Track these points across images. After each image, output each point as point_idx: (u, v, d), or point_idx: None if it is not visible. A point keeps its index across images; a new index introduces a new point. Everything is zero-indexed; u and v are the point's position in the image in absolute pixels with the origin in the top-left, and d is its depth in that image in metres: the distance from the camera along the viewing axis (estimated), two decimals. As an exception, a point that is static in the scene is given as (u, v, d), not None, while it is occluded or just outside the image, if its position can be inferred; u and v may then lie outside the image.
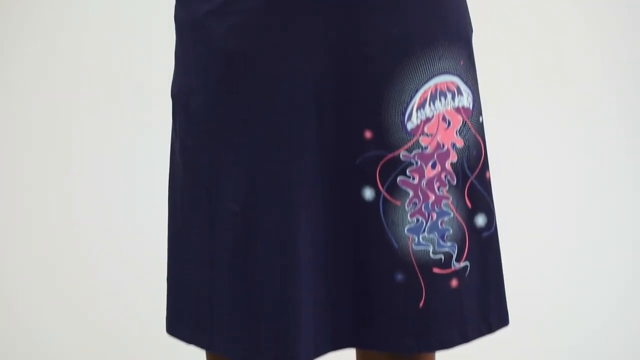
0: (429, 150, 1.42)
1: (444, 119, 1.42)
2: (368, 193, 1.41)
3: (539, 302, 2.86)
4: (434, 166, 1.42)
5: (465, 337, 1.46)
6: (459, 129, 1.43)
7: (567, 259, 2.90)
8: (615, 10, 2.86)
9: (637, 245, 2.90)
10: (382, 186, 1.41)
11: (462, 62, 1.43)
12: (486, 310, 1.47)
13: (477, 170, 1.46)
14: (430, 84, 1.41)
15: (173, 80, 1.48)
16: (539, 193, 2.92)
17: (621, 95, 2.87)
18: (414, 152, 1.41)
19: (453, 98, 1.43)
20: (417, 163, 1.41)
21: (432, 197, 1.43)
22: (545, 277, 2.89)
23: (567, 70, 2.85)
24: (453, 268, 1.44)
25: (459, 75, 1.43)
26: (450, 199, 1.44)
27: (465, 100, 1.44)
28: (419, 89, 1.40)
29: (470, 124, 1.44)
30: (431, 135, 1.41)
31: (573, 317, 2.84)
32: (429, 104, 1.41)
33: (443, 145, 1.42)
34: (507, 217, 2.79)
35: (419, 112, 1.41)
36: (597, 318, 2.82)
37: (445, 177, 1.43)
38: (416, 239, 1.42)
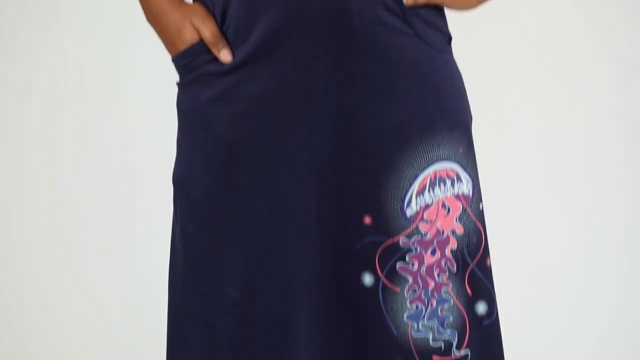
0: (428, 237, 1.42)
1: (443, 205, 1.42)
2: (367, 279, 1.41)
3: (540, 306, 2.86)
4: (433, 253, 1.42)
5: None
6: (459, 216, 1.43)
7: (566, 261, 2.89)
8: (617, 10, 2.87)
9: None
10: (382, 272, 1.41)
11: (461, 149, 1.44)
12: None
13: (478, 257, 1.46)
14: (430, 170, 1.41)
15: (175, 166, 1.49)
16: (539, 193, 2.92)
17: (621, 96, 2.86)
18: (413, 239, 1.41)
19: (452, 185, 1.43)
20: (416, 249, 1.41)
21: (431, 284, 1.42)
22: (546, 280, 2.88)
23: (567, 71, 2.85)
24: (453, 356, 1.43)
25: (458, 162, 1.43)
26: (450, 285, 1.43)
27: (465, 187, 1.44)
28: (418, 175, 1.41)
29: (470, 211, 1.44)
30: (431, 221, 1.42)
31: (574, 321, 2.84)
32: (429, 191, 1.42)
33: (443, 232, 1.42)
34: (507, 217, 2.81)
35: (418, 198, 1.41)
36: (599, 323, 2.81)
37: (445, 263, 1.43)
38: (416, 325, 1.42)
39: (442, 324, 1.43)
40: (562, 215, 2.91)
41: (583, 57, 2.83)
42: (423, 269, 1.42)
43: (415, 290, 1.42)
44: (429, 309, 1.42)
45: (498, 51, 2.74)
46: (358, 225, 1.41)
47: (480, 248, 1.46)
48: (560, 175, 2.91)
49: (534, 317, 2.85)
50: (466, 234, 1.44)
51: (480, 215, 1.47)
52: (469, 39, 2.92)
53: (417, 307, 1.42)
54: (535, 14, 2.80)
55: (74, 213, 2.86)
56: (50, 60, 2.79)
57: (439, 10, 1.46)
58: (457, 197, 1.43)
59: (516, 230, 2.79)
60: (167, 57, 1.50)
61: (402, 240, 1.41)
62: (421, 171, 1.41)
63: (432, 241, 1.42)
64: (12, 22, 2.80)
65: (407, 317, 1.42)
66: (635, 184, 2.90)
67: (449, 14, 1.51)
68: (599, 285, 2.90)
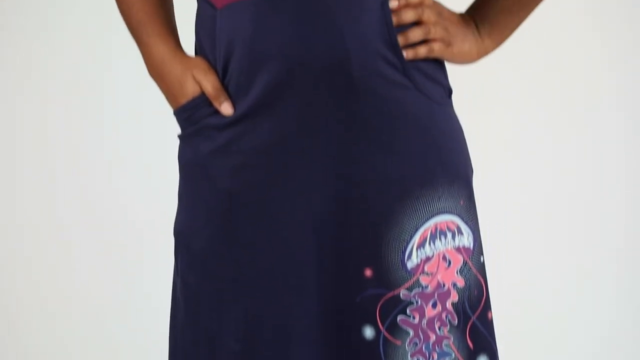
0: (429, 290, 1.41)
1: (444, 258, 1.42)
2: (368, 332, 1.41)
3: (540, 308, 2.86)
4: (434, 305, 1.42)
5: None
6: (460, 269, 1.43)
7: (567, 261, 2.90)
8: (618, 9, 2.88)
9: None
10: (383, 325, 1.40)
11: (462, 202, 1.44)
12: None
13: (479, 310, 1.45)
14: (430, 223, 1.41)
15: (176, 219, 1.50)
16: (540, 193, 2.92)
17: (621, 96, 2.86)
18: (414, 291, 1.41)
19: (453, 237, 1.43)
20: (417, 302, 1.41)
21: (432, 337, 1.42)
22: (547, 281, 2.88)
23: (569, 70, 2.86)
24: None
25: (459, 215, 1.44)
26: (452, 339, 1.42)
27: (466, 240, 1.44)
28: (419, 228, 1.41)
29: (471, 264, 1.44)
30: (431, 274, 1.41)
31: (575, 322, 2.84)
32: (429, 243, 1.41)
33: (444, 285, 1.42)
34: (507, 216, 2.80)
35: (419, 251, 1.41)
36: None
37: (446, 316, 1.42)
38: (417, 379, 1.41)
39: (443, 378, 1.42)
40: (563, 215, 2.92)
41: (584, 56, 2.84)
42: (424, 322, 1.41)
43: (416, 344, 1.41)
44: None
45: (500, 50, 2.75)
46: (359, 277, 1.41)
47: (481, 301, 1.45)
48: (560, 175, 2.93)
49: (537, 317, 2.85)
50: (467, 287, 1.44)
51: (482, 267, 1.46)
52: None
53: None
54: (537, 13, 2.83)
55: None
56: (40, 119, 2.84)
57: (439, 63, 1.47)
58: (458, 249, 1.43)
59: (518, 230, 2.81)
60: (169, 110, 1.51)
61: (403, 292, 1.40)
62: (422, 224, 1.41)
63: (433, 294, 1.41)
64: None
65: None
66: (635, 184, 2.92)
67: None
68: (600, 286, 2.90)
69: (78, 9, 2.94)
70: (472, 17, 1.51)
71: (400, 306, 1.41)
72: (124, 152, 2.92)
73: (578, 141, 2.93)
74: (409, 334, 1.41)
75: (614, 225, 2.94)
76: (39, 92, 2.95)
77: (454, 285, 1.43)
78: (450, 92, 1.49)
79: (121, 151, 2.92)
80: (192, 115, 1.45)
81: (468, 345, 1.44)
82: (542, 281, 2.92)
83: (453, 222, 1.43)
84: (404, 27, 1.42)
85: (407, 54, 1.41)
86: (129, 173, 2.93)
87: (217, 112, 1.43)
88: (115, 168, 2.95)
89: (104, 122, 2.92)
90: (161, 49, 1.48)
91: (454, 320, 1.43)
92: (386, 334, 1.40)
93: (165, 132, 1.71)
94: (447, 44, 1.46)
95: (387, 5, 1.39)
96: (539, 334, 2.89)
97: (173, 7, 1.55)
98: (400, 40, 1.40)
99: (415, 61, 1.42)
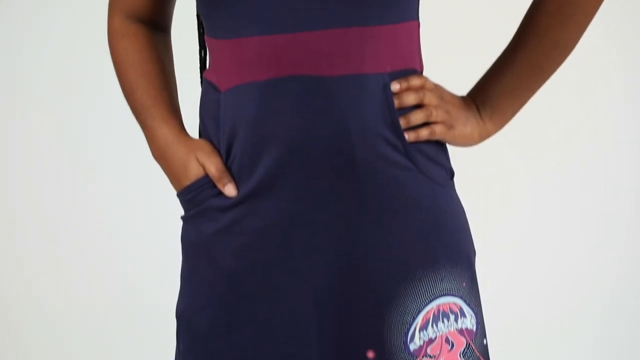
0: (432, 372, 1.41)
1: (447, 340, 1.42)
2: (371, 415, 1.40)
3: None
4: (437, 388, 1.41)
5: None
6: (463, 351, 1.43)
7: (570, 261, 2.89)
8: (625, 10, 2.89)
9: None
10: None
11: (464, 284, 1.44)
12: None
13: None
14: (433, 305, 1.41)
15: (178, 300, 1.50)
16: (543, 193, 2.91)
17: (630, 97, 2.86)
18: (417, 374, 1.40)
19: (456, 320, 1.43)
20: None
21: (436, 420, 1.41)
22: (549, 282, 2.87)
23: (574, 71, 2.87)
24: None
25: (461, 297, 1.43)
26: (455, 422, 1.41)
27: (469, 322, 1.44)
28: (422, 310, 1.41)
29: (474, 347, 1.44)
30: (434, 356, 1.41)
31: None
32: (432, 325, 1.41)
33: (447, 367, 1.41)
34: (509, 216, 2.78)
35: (421, 333, 1.41)
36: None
37: None
38: None
39: None
40: (564, 216, 2.93)
41: (591, 56, 2.84)
42: (427, 404, 1.40)
43: None
44: None
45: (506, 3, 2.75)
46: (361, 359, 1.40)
47: None
48: (562, 175, 2.93)
49: (542, 317, 2.85)
50: (470, 370, 1.43)
51: (485, 350, 1.46)
52: (472, 39, 2.95)
53: None
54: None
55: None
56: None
57: (441, 145, 1.48)
58: (461, 332, 1.43)
59: (522, 230, 2.80)
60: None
61: None
62: (424, 305, 1.41)
63: None
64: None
65: None
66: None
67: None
68: (601, 288, 2.89)
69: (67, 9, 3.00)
70: (474, 100, 1.52)
71: (403, 389, 1.40)
72: (126, 152, 2.93)
73: (583, 140, 2.94)
74: None
75: (620, 228, 2.95)
76: (40, 94, 3.00)
77: None
78: (452, 174, 1.50)
79: (123, 150, 2.94)
80: (196, 197, 1.46)
81: None
82: (543, 282, 2.92)
83: (456, 304, 1.43)
84: (406, 110, 1.43)
85: (409, 136, 1.42)
86: (128, 172, 2.95)
87: (220, 194, 1.44)
88: (114, 168, 2.97)
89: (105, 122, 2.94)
90: (165, 131, 1.50)
91: None
92: None
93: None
94: (449, 126, 1.47)
95: (389, 88, 1.41)
96: (539, 336, 2.90)
97: (177, 90, 1.57)
98: (402, 122, 1.42)
99: (417, 143, 1.43)
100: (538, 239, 3.07)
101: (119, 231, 3.02)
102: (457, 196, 1.49)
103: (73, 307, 3.01)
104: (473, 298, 1.45)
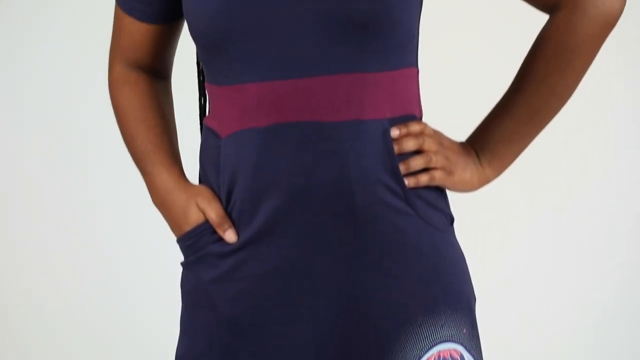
0: (434, 418, 1.40)
1: None
2: None
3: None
4: None
5: None
6: None
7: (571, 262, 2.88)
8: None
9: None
10: None
11: (465, 330, 1.43)
12: None
13: None
14: (434, 351, 1.41)
15: (178, 345, 1.49)
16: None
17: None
18: (418, 420, 1.39)
19: None
20: None
21: None
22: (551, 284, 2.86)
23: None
24: None
25: (462, 344, 1.43)
26: None
27: None
28: (422, 356, 1.40)
29: None
30: None
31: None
32: None
33: (447, 414, 1.41)
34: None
35: None
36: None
37: None
38: None
39: None
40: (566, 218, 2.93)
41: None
42: None
43: None
44: None
45: (503, 50, 2.77)
46: None
47: None
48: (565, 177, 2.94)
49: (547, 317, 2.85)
50: (471, 416, 1.42)
51: None
52: (475, 40, 2.96)
53: None
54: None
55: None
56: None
57: (440, 191, 1.48)
58: None
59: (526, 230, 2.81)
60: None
61: None
62: (425, 352, 1.40)
63: None
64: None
65: None
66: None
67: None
68: (603, 289, 2.89)
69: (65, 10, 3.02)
70: (473, 145, 1.53)
71: None
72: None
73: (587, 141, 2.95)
74: None
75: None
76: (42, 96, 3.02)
77: None
78: (452, 219, 1.50)
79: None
80: (196, 243, 1.46)
81: None
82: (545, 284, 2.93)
83: (456, 351, 1.42)
84: (406, 156, 1.44)
85: (408, 182, 1.42)
86: (127, 172, 2.98)
87: (220, 240, 1.44)
88: (111, 167, 2.97)
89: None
90: (165, 178, 1.50)
91: None
92: None
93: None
94: (449, 172, 1.47)
95: (389, 134, 1.41)
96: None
97: (177, 137, 1.58)
98: (402, 168, 1.42)
99: (417, 189, 1.44)
100: (537, 286, 3.07)
101: (117, 231, 3.04)
102: (457, 242, 1.49)
103: (71, 309, 3.03)
104: (474, 344, 1.45)
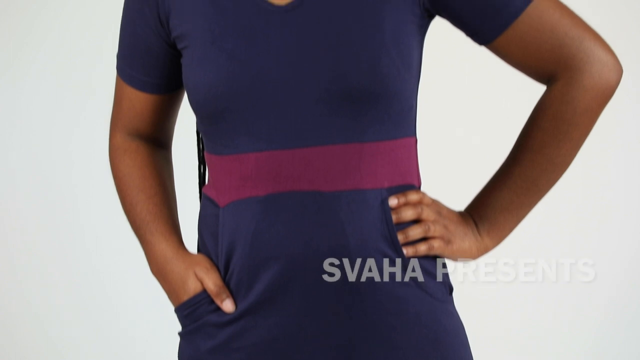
0: None
1: None
2: None
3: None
4: None
5: None
6: None
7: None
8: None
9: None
10: None
11: None
12: None
13: None
14: None
15: None
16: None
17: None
18: None
19: None
20: None
21: None
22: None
23: None
24: None
25: None
26: None
27: None
28: None
29: None
30: None
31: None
32: None
33: None
34: None
35: None
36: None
37: None
38: None
39: None
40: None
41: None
42: None
43: None
44: None
45: (503, 118, 2.78)
46: None
47: None
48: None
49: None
50: None
51: None
52: (470, 153, 2.96)
53: None
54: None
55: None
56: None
57: (439, 260, 1.48)
58: None
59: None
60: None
61: None
62: None
63: None
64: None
65: None
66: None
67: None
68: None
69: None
70: (471, 215, 1.53)
71: None
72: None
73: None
74: None
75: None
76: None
77: None
78: (451, 289, 1.50)
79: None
80: (194, 312, 1.46)
81: None
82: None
83: None
84: (404, 225, 1.44)
85: (407, 251, 1.42)
86: None
87: (218, 309, 1.44)
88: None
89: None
90: (163, 247, 1.50)
91: None
92: None
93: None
94: (447, 241, 1.47)
95: (387, 203, 1.41)
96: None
97: (176, 205, 1.58)
98: (400, 237, 1.42)
99: (415, 258, 1.43)
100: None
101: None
102: (456, 312, 1.48)
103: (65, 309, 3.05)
104: None
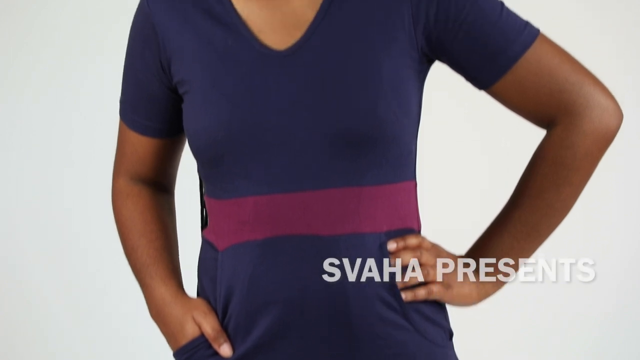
0: None
1: None
2: None
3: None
4: None
5: None
6: None
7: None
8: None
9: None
10: None
11: None
12: None
13: None
14: None
15: None
16: None
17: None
18: None
19: None
20: None
21: None
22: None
23: None
24: None
25: None
26: None
27: None
28: None
29: None
30: None
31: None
32: None
33: None
34: None
35: None
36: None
37: None
38: None
39: None
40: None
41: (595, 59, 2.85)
42: None
43: None
44: None
45: (503, 164, 2.76)
46: None
47: None
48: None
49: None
50: None
51: None
52: (471, 197, 2.95)
53: None
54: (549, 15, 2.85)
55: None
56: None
57: (439, 305, 1.47)
58: None
59: None
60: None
61: None
62: None
63: None
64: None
65: None
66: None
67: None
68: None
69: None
70: (472, 259, 1.52)
71: None
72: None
73: None
74: None
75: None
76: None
77: None
78: (451, 334, 1.49)
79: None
80: (192, 357, 1.45)
81: None
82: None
83: None
84: (403, 269, 1.43)
85: (405, 296, 1.41)
86: None
87: (216, 354, 1.43)
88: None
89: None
90: (162, 291, 1.50)
91: None
92: None
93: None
94: (447, 286, 1.46)
95: (386, 247, 1.41)
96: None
97: (177, 249, 1.58)
98: (399, 282, 1.41)
99: (414, 303, 1.43)
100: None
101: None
102: (456, 357, 1.47)
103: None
104: None
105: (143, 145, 1.57)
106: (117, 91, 1.57)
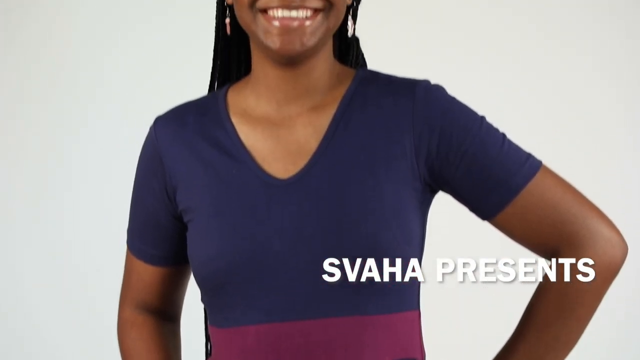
0: None
1: None
2: None
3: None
4: None
5: None
6: None
7: None
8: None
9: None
10: None
11: None
12: None
13: None
14: None
15: None
16: None
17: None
18: None
19: None
20: None
21: None
22: None
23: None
24: None
25: None
26: None
27: None
28: None
29: None
30: None
31: None
32: None
33: None
34: None
35: None
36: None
37: None
38: None
39: None
40: None
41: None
42: None
43: None
44: None
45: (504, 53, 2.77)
46: None
47: None
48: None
49: None
50: None
51: None
52: (481, 47, 2.94)
53: None
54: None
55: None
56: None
57: None
58: None
59: None
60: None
61: None
62: None
63: None
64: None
65: None
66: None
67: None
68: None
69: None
70: None
71: None
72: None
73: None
74: None
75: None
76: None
77: None
78: None
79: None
80: None
81: None
82: None
83: None
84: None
85: None
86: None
87: None
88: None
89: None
90: None
91: None
92: None
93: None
94: None
95: None
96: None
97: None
98: None
99: None
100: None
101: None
102: None
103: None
104: None
105: (149, 274, 1.57)
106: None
